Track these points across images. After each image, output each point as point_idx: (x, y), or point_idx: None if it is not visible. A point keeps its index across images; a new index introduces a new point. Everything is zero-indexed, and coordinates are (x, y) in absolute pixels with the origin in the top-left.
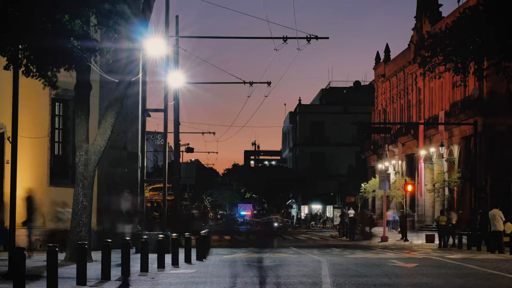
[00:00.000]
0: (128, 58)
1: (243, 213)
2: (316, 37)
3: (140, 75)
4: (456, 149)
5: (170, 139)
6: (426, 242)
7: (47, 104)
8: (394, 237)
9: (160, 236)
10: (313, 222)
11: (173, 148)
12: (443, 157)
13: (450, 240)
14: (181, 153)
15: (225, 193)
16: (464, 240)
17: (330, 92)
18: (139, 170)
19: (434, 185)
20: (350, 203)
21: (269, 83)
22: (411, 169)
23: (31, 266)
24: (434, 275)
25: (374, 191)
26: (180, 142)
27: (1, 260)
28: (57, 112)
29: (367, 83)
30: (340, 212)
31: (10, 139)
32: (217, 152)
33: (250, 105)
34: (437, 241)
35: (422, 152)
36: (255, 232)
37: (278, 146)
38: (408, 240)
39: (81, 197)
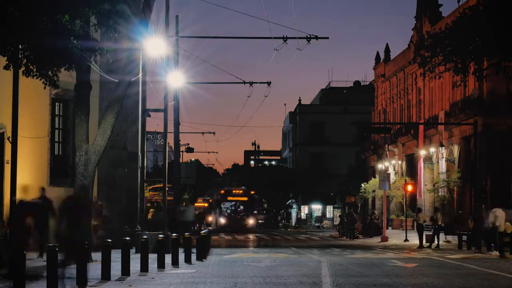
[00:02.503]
0: (128, 58)
1: None
2: (316, 37)
3: (140, 75)
4: (456, 149)
5: (170, 139)
6: (426, 242)
7: (47, 104)
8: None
9: (160, 236)
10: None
11: (173, 148)
12: (443, 157)
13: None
14: (181, 153)
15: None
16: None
17: (330, 92)
18: (139, 170)
19: (434, 185)
20: (350, 203)
21: (269, 83)
22: (411, 169)
23: (31, 266)
24: (434, 275)
25: (374, 191)
26: (180, 142)
27: None
28: (57, 112)
29: (367, 83)
30: (340, 212)
31: (10, 139)
32: (217, 152)
33: (250, 105)
34: (436, 242)
35: (422, 152)
36: None
37: (278, 146)
38: (407, 240)
39: None
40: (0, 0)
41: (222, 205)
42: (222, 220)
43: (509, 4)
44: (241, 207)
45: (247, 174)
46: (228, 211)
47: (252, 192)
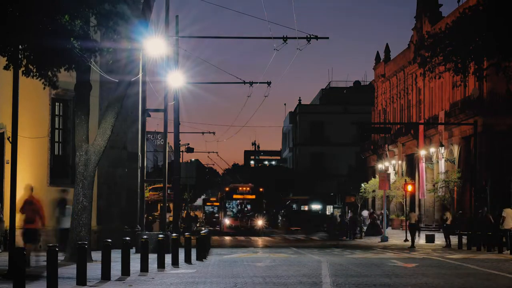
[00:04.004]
0: (128, 58)
1: None
2: (316, 37)
3: (140, 75)
4: (456, 149)
5: (170, 139)
6: (426, 242)
7: (47, 104)
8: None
9: (160, 236)
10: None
11: (173, 148)
12: (443, 157)
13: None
14: (181, 153)
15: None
16: (464, 240)
17: (330, 92)
18: (139, 170)
19: (434, 185)
20: (350, 203)
21: (269, 83)
22: (411, 169)
23: (31, 266)
24: (434, 275)
25: (374, 191)
26: (180, 142)
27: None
28: (57, 112)
29: (367, 83)
30: (340, 212)
31: (10, 139)
32: (217, 152)
33: (250, 105)
34: (437, 241)
35: (422, 152)
36: None
37: (278, 146)
38: (407, 240)
39: (81, 197)
40: (0, 0)
41: (226, 204)
42: (227, 221)
43: (509, 4)
44: (249, 206)
45: (247, 174)
46: (234, 210)
47: (260, 190)
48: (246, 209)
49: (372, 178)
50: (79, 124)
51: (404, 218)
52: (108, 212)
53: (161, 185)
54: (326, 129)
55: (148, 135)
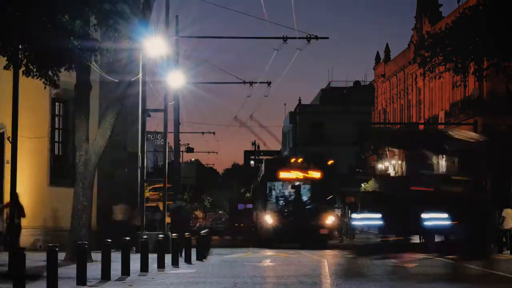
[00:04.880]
0: (128, 58)
1: None
2: (316, 37)
3: (140, 75)
4: None
5: (170, 139)
6: None
7: (47, 104)
8: None
9: (160, 236)
10: None
11: (173, 148)
12: (443, 157)
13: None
14: (181, 153)
15: (226, 193)
16: None
17: (330, 92)
18: (139, 170)
19: None
20: (350, 203)
21: (269, 83)
22: None
23: (31, 266)
24: (434, 275)
25: None
26: (180, 142)
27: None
28: (57, 112)
29: (367, 83)
30: (341, 212)
31: (10, 139)
32: (217, 152)
33: (250, 105)
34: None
35: None
36: None
37: (278, 146)
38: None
39: (81, 197)
40: (0, 0)
41: (268, 192)
42: (269, 220)
43: (509, 4)
44: (308, 194)
45: (248, 174)
46: (281, 202)
47: (329, 163)
48: (302, 199)
49: (372, 178)
50: (79, 124)
51: None
52: (108, 212)
53: (161, 185)
54: (326, 129)
55: (148, 135)
